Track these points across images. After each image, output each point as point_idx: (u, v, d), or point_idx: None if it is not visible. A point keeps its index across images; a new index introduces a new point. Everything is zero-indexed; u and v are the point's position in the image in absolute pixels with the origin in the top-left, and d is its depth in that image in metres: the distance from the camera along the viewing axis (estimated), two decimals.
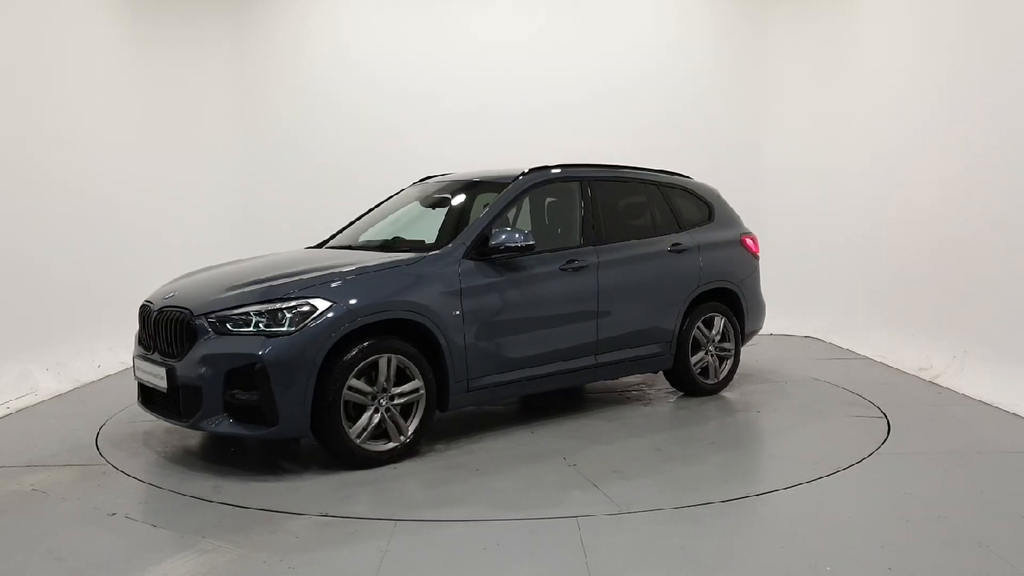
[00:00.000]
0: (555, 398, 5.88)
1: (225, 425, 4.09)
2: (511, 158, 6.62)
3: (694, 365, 5.75)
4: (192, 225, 8.81)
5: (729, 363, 5.99)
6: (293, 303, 4.11)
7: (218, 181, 9.24)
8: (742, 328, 6.07)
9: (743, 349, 6.28)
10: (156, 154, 8.42)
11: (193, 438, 4.92)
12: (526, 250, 4.77)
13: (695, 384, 5.79)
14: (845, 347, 7.75)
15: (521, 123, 9.08)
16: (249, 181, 9.37)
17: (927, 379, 6.27)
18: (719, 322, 5.88)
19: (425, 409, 4.41)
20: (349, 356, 4.11)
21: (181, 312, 4.29)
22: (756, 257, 6.26)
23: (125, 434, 5.03)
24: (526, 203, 5.48)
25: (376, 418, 4.23)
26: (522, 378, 4.91)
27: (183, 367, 4.17)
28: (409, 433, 4.36)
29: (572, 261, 5.11)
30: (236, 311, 4.14)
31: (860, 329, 7.77)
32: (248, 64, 9.35)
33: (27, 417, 5.50)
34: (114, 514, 3.63)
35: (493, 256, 4.74)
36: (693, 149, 8.69)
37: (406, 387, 4.34)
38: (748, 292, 6.11)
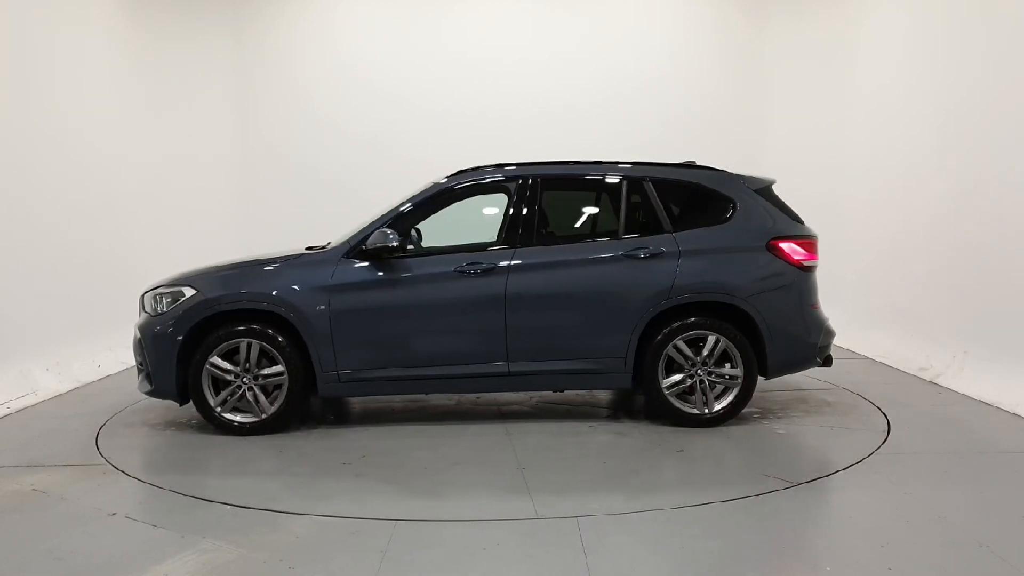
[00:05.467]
0: (579, 402, 5.87)
1: (143, 384, 5.05)
2: (510, 157, 6.62)
3: (668, 389, 4.97)
4: (192, 225, 8.83)
5: (732, 393, 4.99)
6: (171, 290, 4.98)
7: (218, 181, 9.26)
8: (760, 354, 5.01)
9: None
10: (156, 154, 8.43)
11: (193, 438, 4.93)
12: (394, 251, 4.90)
13: (672, 412, 4.97)
14: (845, 347, 7.75)
15: (523, 125, 9.12)
16: (249, 181, 9.39)
17: (927, 379, 6.27)
18: (713, 342, 4.94)
19: (289, 393, 4.88)
20: (211, 337, 4.85)
21: None
22: (798, 268, 5.04)
23: (125, 434, 5.03)
24: (465, 205, 5.40)
25: (239, 393, 4.89)
26: (408, 376, 4.96)
27: None
28: (270, 411, 4.89)
29: (475, 263, 4.94)
30: (148, 293, 5.08)
31: (860, 329, 7.77)
32: (248, 65, 9.36)
33: (27, 417, 5.51)
34: (114, 514, 3.63)
35: (368, 256, 4.93)
36: (693, 148, 8.69)
37: (267, 371, 4.90)
38: (769, 310, 4.97)
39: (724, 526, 3.44)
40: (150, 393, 4.99)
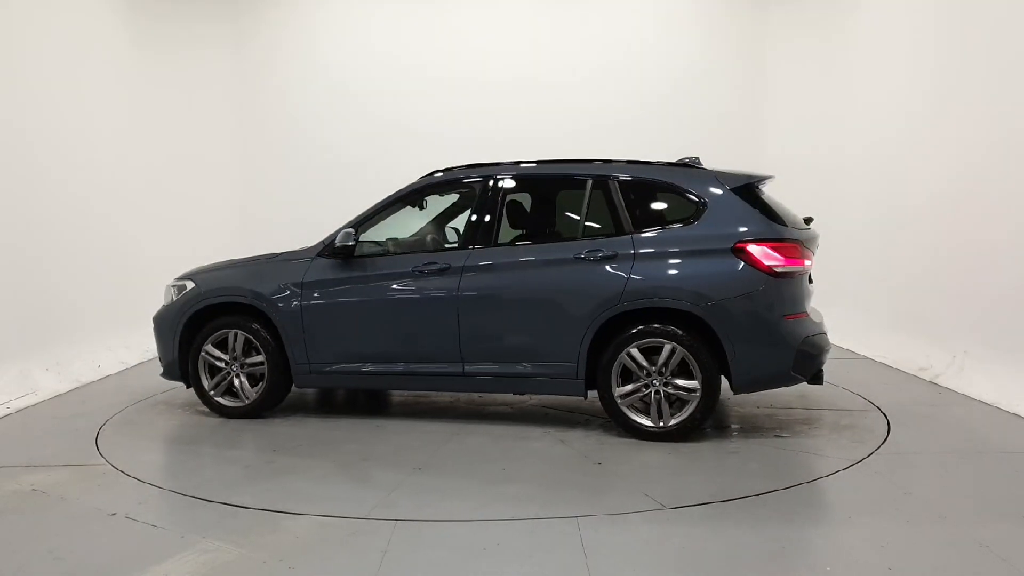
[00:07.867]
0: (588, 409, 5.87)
1: (159, 368, 5.59)
2: (510, 156, 6.62)
3: (622, 399, 4.69)
4: (192, 226, 8.83)
5: (691, 407, 4.59)
6: (179, 283, 5.48)
7: (219, 181, 9.27)
8: (724, 367, 4.60)
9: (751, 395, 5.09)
10: (156, 155, 8.43)
11: (193, 438, 4.94)
12: (349, 250, 5.09)
13: (626, 423, 4.70)
14: (845, 347, 7.74)
15: (525, 127, 9.13)
16: (250, 182, 9.41)
17: (927, 379, 6.27)
18: (668, 352, 4.57)
19: (269, 381, 5.22)
20: (206, 327, 5.30)
21: None
22: (768, 274, 4.50)
23: (125, 434, 5.03)
24: (440, 205, 5.61)
25: (228, 379, 5.30)
26: (371, 372, 5.13)
27: None
28: (253, 398, 5.26)
29: (431, 264, 4.97)
30: (168, 285, 5.57)
31: (860, 329, 7.77)
32: (248, 63, 9.37)
33: (27, 417, 5.51)
34: (114, 514, 3.63)
35: (335, 255, 5.15)
36: (697, 148, 8.71)
37: (251, 360, 5.26)
38: (732, 319, 4.49)
39: (725, 526, 3.44)
40: (163, 375, 5.53)
